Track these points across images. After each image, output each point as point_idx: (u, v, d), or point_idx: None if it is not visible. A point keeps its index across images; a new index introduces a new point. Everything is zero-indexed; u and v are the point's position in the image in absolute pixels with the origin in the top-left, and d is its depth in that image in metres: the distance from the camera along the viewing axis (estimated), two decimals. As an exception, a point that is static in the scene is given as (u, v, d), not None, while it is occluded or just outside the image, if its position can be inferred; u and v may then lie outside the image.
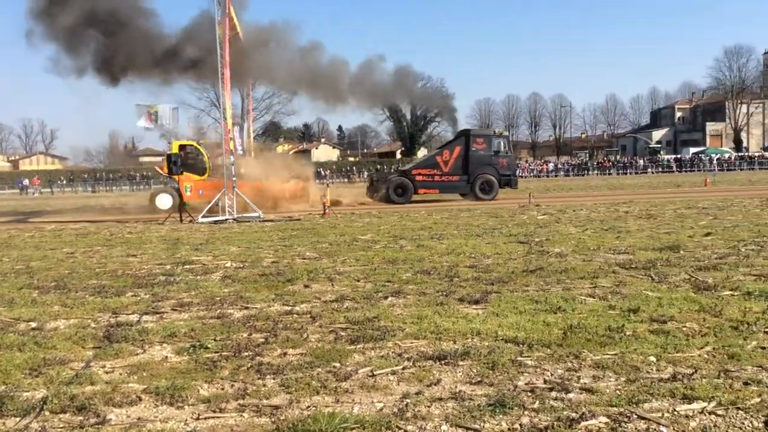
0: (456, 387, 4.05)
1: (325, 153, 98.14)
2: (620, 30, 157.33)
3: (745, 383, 3.88)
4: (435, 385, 4.12)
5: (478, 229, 13.49)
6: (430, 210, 20.17)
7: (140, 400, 3.99)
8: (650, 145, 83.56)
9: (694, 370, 4.12)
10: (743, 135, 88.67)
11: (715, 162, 63.41)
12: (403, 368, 4.44)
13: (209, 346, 5.13)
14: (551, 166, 73.10)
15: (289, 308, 6.50)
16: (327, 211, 19.45)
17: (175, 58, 23.51)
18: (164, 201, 23.35)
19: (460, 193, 26.37)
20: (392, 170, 32.11)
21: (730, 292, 6.39)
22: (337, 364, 4.58)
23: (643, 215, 15.50)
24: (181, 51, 23.38)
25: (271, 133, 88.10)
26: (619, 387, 3.92)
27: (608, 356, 4.51)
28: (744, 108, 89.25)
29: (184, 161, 21.68)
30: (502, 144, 26.62)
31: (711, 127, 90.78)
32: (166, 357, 4.95)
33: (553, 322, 5.49)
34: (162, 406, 3.90)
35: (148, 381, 4.34)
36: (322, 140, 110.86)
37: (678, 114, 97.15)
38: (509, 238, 11.78)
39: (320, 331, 5.54)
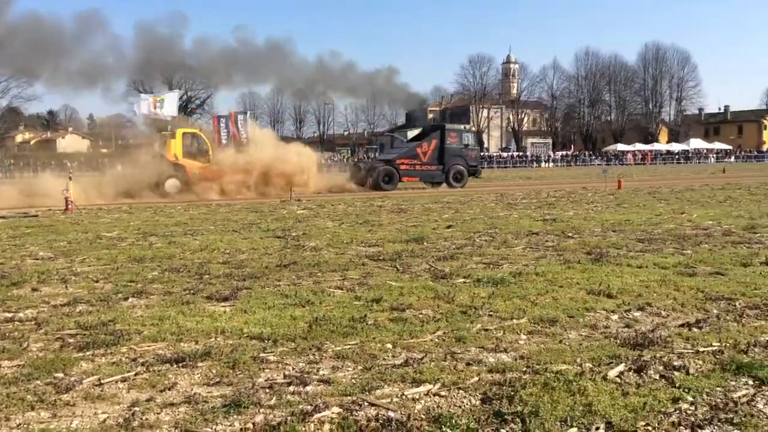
0: (192, 390, 3.86)
1: (73, 143, 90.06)
2: (384, 38, 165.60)
3: (468, 364, 4.19)
4: (169, 389, 3.88)
5: (236, 225, 13.24)
6: (187, 205, 19.41)
7: None
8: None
9: (424, 354, 4.36)
10: (485, 136, 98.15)
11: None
12: (136, 374, 4.13)
13: None
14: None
15: (10, 315, 5.77)
16: (70, 206, 17.80)
17: None
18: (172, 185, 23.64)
19: (434, 181, 28.47)
20: (371, 159, 33.23)
21: (463, 280, 6.93)
22: (60, 375, 4.13)
23: (395, 209, 16.37)
24: None
25: (9, 119, 78.85)
26: (355, 376, 4.02)
27: (349, 346, 4.61)
28: (485, 112, 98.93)
29: (189, 149, 23.96)
30: (470, 138, 30.21)
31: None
32: None
33: (300, 315, 5.50)
34: None
35: None
36: (70, 129, 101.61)
37: (430, 115, 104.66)
38: (267, 233, 11.71)
39: (45, 339, 4.98)
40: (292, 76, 34.19)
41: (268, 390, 3.80)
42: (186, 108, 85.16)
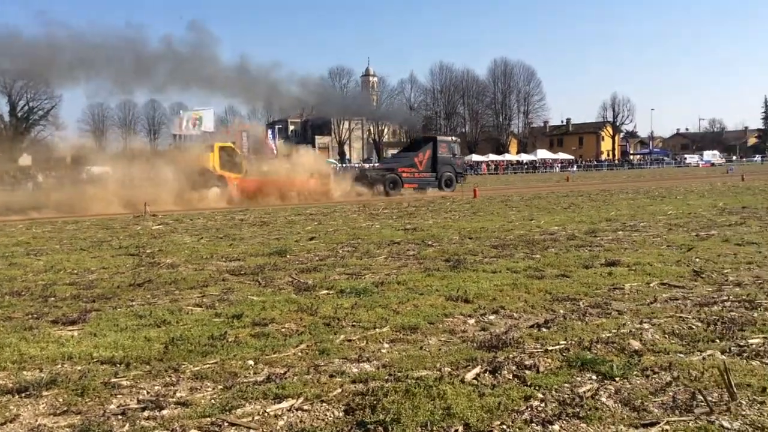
0: (36, 421, 3.57)
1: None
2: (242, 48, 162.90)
3: (331, 376, 4.19)
4: (11, 422, 3.58)
5: (85, 243, 12.45)
6: (30, 223, 18.02)
7: None
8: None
9: (287, 369, 4.31)
10: (346, 148, 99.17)
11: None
12: (-31, 410, 3.76)
13: None
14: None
15: None
16: None
17: None
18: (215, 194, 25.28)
19: (429, 187, 30.93)
20: (372, 167, 36.29)
21: (326, 291, 6.93)
22: None
23: (257, 223, 16.10)
24: None
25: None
26: (215, 396, 3.89)
27: (208, 365, 4.46)
28: (346, 123, 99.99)
29: (226, 161, 25.99)
30: (456, 148, 33.90)
31: (319, 140, 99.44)
32: None
33: (155, 336, 5.25)
34: None
35: None
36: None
37: (291, 127, 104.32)
38: (119, 250, 11.11)
39: None
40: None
41: (120, 417, 3.59)
42: (27, 120, 79.47)
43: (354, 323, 5.54)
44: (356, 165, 45.51)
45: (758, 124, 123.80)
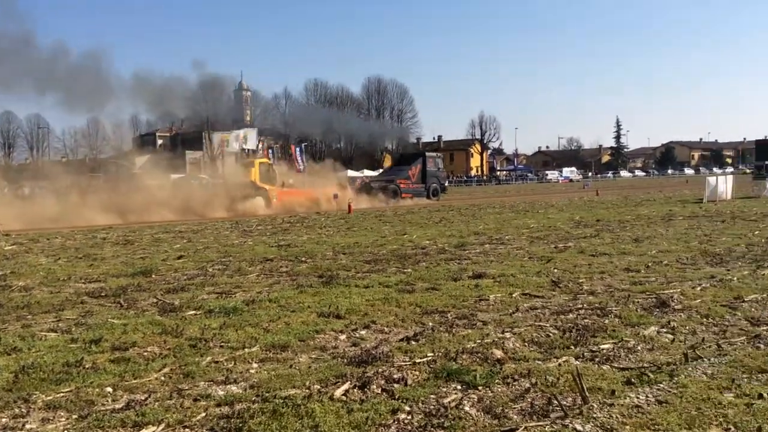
0: None
1: None
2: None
3: (195, 400, 4.04)
4: None
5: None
6: None
7: None
8: (134, 171, 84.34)
9: (148, 395, 4.11)
10: (219, 163, 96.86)
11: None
12: None
13: None
14: (27, 191, 67.18)
15: None
16: None
17: None
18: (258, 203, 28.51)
19: (419, 197, 35.76)
20: (375, 179, 39.24)
21: (194, 312, 6.70)
22: None
23: (120, 241, 15.34)
24: None
25: None
26: (69, 426, 3.65)
27: (62, 394, 4.17)
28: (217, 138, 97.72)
29: (265, 175, 30.06)
30: (440, 163, 40.01)
31: (190, 155, 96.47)
32: None
33: (4, 365, 4.86)
34: None
35: None
36: None
37: (159, 141, 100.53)
38: (-37, 273, 10.20)
39: None
40: None
41: (-43, 457, 3.28)
42: None
43: (222, 344, 5.39)
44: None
45: (611, 143, 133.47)
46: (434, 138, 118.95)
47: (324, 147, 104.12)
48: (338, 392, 4.01)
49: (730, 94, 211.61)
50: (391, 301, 6.98)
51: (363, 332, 5.74)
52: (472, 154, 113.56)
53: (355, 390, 4.08)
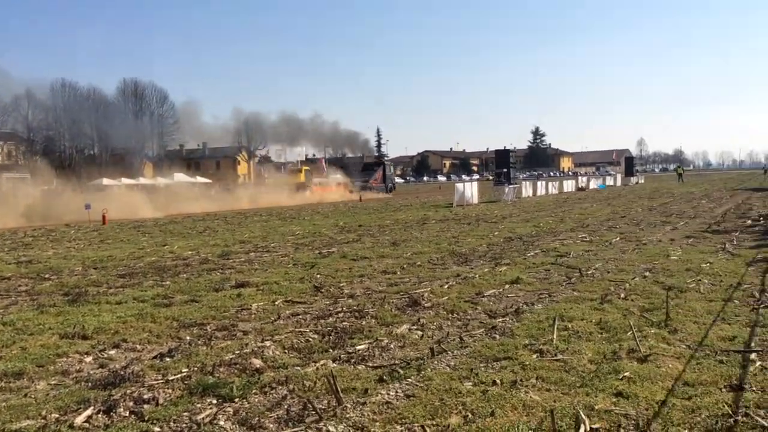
0: None
1: None
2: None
3: None
4: None
5: None
6: None
7: None
8: None
9: None
10: None
11: None
12: None
13: None
14: None
15: None
16: None
17: None
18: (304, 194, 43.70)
19: (380, 191, 51.33)
20: (358, 180, 52.56)
21: None
22: None
23: None
24: None
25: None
26: None
27: None
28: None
29: (307, 177, 50.67)
30: (391, 168, 59.55)
31: None
32: None
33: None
34: None
35: None
36: None
37: None
38: None
39: None
40: None
41: None
42: None
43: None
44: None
45: (374, 152, 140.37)
46: (198, 145, 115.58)
47: (74, 152, 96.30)
48: (79, 419, 3.68)
49: (475, 109, 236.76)
50: (146, 316, 6.60)
51: (112, 352, 5.35)
52: (239, 161, 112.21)
53: (100, 415, 3.77)
